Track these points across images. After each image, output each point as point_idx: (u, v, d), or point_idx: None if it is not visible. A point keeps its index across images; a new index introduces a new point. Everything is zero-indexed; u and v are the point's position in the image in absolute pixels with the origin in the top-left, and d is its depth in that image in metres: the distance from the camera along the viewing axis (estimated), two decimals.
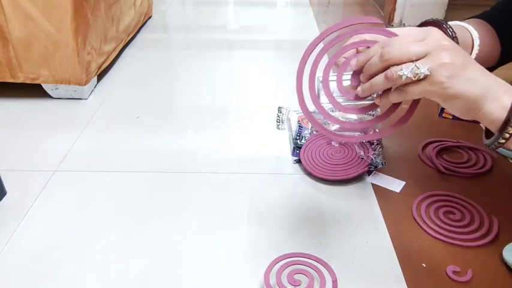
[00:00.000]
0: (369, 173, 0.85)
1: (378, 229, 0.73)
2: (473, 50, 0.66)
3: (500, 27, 0.69)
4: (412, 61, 0.44)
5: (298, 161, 0.88)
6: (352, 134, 0.82)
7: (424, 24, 0.67)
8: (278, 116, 1.02)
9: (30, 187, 0.82)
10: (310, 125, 0.96)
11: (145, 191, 0.82)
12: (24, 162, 0.89)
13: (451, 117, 1.02)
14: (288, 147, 0.95)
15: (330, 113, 0.53)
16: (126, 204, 0.79)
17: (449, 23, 0.66)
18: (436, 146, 0.92)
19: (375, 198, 0.79)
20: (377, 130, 0.86)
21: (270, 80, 1.29)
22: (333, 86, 0.52)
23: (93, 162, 0.90)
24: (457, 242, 0.69)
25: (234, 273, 0.65)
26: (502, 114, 0.45)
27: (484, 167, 0.86)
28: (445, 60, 0.43)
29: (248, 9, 1.99)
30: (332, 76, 0.52)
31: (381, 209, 0.77)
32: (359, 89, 0.50)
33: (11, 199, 0.79)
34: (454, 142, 0.93)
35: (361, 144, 0.88)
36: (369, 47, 0.50)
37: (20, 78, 1.08)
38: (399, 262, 0.66)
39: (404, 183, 0.83)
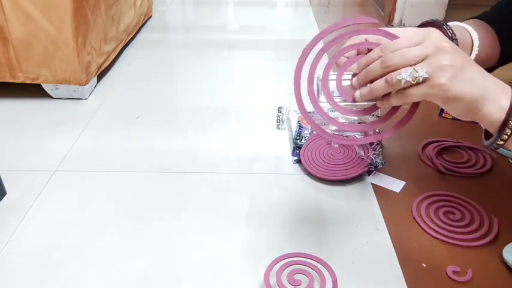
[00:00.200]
0: (369, 173, 0.85)
1: (378, 229, 0.73)
2: (473, 50, 0.66)
3: (500, 27, 0.69)
4: (411, 65, 0.44)
5: (298, 161, 0.88)
6: (352, 134, 0.82)
7: (423, 25, 0.67)
8: (278, 116, 1.02)
9: (30, 187, 0.82)
10: (310, 125, 0.96)
11: (145, 191, 0.82)
12: (24, 162, 0.89)
13: (451, 117, 1.02)
14: (288, 147, 0.95)
15: (330, 113, 0.53)
16: (126, 204, 0.79)
17: (448, 23, 0.66)
18: (436, 146, 0.92)
19: (375, 198, 0.79)
20: (377, 131, 0.86)
21: (270, 80, 1.29)
22: (332, 85, 0.52)
23: (93, 162, 0.90)
24: (457, 242, 0.69)
25: (234, 273, 0.65)
26: (501, 116, 0.45)
27: (484, 167, 0.86)
28: (444, 63, 0.43)
29: (248, 9, 1.98)
30: (332, 75, 0.52)
31: (381, 209, 0.77)
32: (357, 93, 0.50)
33: (11, 199, 0.79)
34: (454, 142, 0.93)
35: (361, 144, 0.88)
36: (369, 49, 0.50)
37: (20, 78, 1.08)
38: (399, 262, 0.66)
39: (404, 183, 0.83)
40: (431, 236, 0.70)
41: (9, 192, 0.80)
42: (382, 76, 0.47)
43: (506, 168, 0.87)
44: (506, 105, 0.45)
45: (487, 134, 0.51)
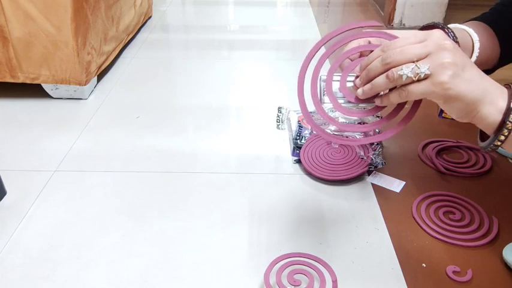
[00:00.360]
0: (369, 173, 0.85)
1: (378, 229, 0.73)
2: (474, 52, 0.66)
3: (500, 29, 0.69)
4: (413, 62, 0.44)
5: (298, 161, 0.88)
6: (352, 134, 0.82)
7: (425, 28, 0.67)
8: (278, 116, 1.02)
9: (30, 187, 0.82)
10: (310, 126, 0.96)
11: (145, 191, 0.82)
12: (24, 162, 0.89)
13: (450, 117, 1.02)
14: (288, 147, 0.95)
15: (330, 113, 0.53)
16: (126, 204, 0.79)
17: (449, 25, 0.66)
18: (436, 146, 0.92)
19: (375, 198, 0.79)
20: (377, 131, 0.86)
21: (270, 80, 1.29)
22: (336, 86, 0.52)
23: (93, 162, 0.90)
24: (457, 242, 0.69)
25: (234, 273, 0.65)
26: (498, 117, 0.45)
27: (484, 167, 0.86)
28: (446, 60, 0.43)
29: (248, 9, 1.99)
30: (336, 76, 0.52)
31: (380, 209, 0.77)
32: (359, 91, 0.50)
33: (11, 199, 0.79)
34: (454, 142, 0.93)
35: (361, 144, 0.88)
36: (372, 51, 0.50)
37: (20, 78, 1.08)
38: (399, 262, 0.66)
39: (404, 183, 0.83)
40: (431, 236, 0.70)
41: (9, 192, 0.80)
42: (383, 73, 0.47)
43: (506, 168, 0.87)
44: (504, 107, 0.45)
45: (483, 136, 0.51)
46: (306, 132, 0.94)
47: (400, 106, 0.50)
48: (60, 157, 0.91)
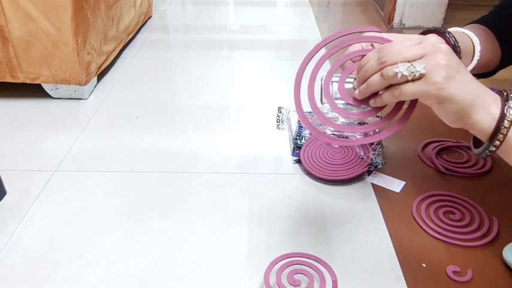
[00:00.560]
0: (369, 173, 0.85)
1: (378, 229, 0.73)
2: (475, 55, 0.66)
3: (500, 31, 0.69)
4: (409, 61, 0.44)
5: (298, 161, 0.88)
6: (351, 135, 0.82)
7: (425, 33, 0.67)
8: (278, 116, 1.02)
9: (30, 187, 0.82)
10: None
11: (145, 191, 0.82)
12: (24, 162, 0.89)
13: None
14: (288, 147, 0.95)
15: (330, 113, 0.53)
16: (126, 204, 0.79)
17: (449, 30, 0.66)
18: (436, 146, 0.92)
19: (375, 198, 0.79)
20: (377, 131, 0.86)
21: (270, 80, 1.29)
22: (335, 88, 0.52)
23: (93, 162, 0.90)
24: (457, 242, 0.69)
25: (234, 273, 0.65)
26: (491, 123, 0.45)
27: (484, 167, 0.86)
28: (441, 62, 0.43)
29: (248, 9, 1.99)
30: (335, 77, 0.52)
31: (380, 209, 0.77)
32: (356, 91, 0.50)
33: (11, 199, 0.79)
34: (454, 142, 0.93)
35: (361, 144, 0.88)
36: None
37: (20, 78, 1.08)
38: (399, 262, 0.66)
39: (404, 183, 0.83)
40: (431, 236, 0.70)
41: (9, 192, 0.80)
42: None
43: (506, 168, 0.87)
44: (497, 113, 0.45)
45: (476, 143, 0.51)
46: (306, 132, 0.94)
47: (398, 107, 0.50)
48: (60, 157, 0.91)
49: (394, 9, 1.67)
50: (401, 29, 1.69)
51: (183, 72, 1.33)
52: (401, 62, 0.44)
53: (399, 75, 0.44)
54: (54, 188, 0.83)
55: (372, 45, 0.53)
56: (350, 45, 0.53)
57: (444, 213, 0.75)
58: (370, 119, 0.58)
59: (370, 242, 0.70)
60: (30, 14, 1.00)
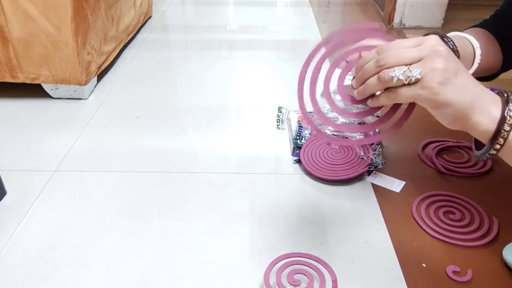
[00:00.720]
0: (369, 173, 0.85)
1: (378, 229, 0.73)
2: (475, 59, 0.66)
3: (501, 34, 0.69)
4: (406, 65, 0.44)
5: (298, 161, 0.88)
6: (351, 135, 0.82)
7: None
8: (278, 116, 1.02)
9: (30, 187, 0.82)
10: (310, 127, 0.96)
11: (145, 191, 0.82)
12: (24, 162, 0.89)
13: None
14: (288, 147, 0.95)
15: (329, 113, 0.53)
16: (126, 204, 0.79)
17: (449, 34, 0.66)
18: (436, 146, 0.92)
19: (375, 198, 0.79)
20: (377, 131, 0.86)
21: (270, 80, 1.29)
22: (334, 87, 0.53)
23: (93, 162, 0.90)
24: (457, 242, 0.69)
25: (234, 273, 0.65)
26: (492, 126, 0.45)
27: (484, 167, 0.86)
28: (438, 66, 0.43)
29: (248, 9, 1.99)
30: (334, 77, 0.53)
31: (380, 209, 0.77)
32: (355, 92, 0.50)
33: (11, 199, 0.79)
34: (454, 142, 0.93)
35: (361, 144, 0.88)
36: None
37: (20, 78, 1.08)
38: (399, 262, 0.66)
39: (404, 183, 0.83)
40: (431, 236, 0.70)
41: (9, 192, 0.80)
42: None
43: (506, 168, 0.87)
44: (497, 115, 0.45)
45: (477, 145, 0.51)
46: (306, 132, 0.94)
47: (395, 108, 0.50)
48: (60, 157, 0.91)
49: (394, 9, 1.67)
50: (401, 29, 1.69)
51: (183, 72, 1.33)
52: (398, 66, 0.44)
53: (395, 79, 0.44)
54: (54, 188, 0.83)
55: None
56: (352, 42, 0.53)
57: (444, 213, 0.75)
58: (370, 119, 0.58)
59: (370, 242, 0.70)
60: (30, 14, 1.00)
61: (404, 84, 0.44)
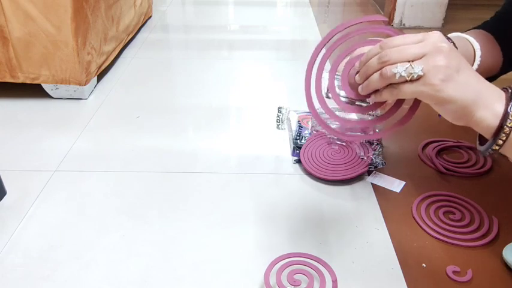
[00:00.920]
0: (369, 173, 0.85)
1: (378, 229, 0.73)
2: (475, 61, 0.66)
3: (502, 36, 0.69)
4: (409, 61, 0.44)
5: (298, 161, 0.88)
6: (354, 134, 0.82)
7: None
8: (278, 116, 1.02)
9: (30, 187, 0.82)
10: (310, 125, 0.96)
11: (145, 191, 0.82)
12: (24, 162, 0.89)
13: None
14: (288, 147, 0.95)
15: (336, 112, 0.54)
16: (126, 204, 0.79)
17: (450, 35, 0.66)
18: (436, 146, 0.92)
19: (375, 198, 0.79)
20: (377, 130, 0.86)
21: (270, 80, 1.29)
22: (338, 82, 0.53)
23: (93, 162, 0.90)
24: (457, 242, 0.69)
25: (234, 273, 0.65)
26: (495, 121, 0.45)
27: (484, 167, 0.86)
28: (440, 63, 0.43)
29: (248, 9, 1.99)
30: (338, 73, 0.53)
31: (380, 209, 0.77)
32: (359, 88, 0.50)
33: (11, 199, 0.79)
34: (454, 142, 0.93)
35: (361, 144, 0.88)
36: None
37: (20, 78, 1.08)
38: (399, 262, 0.66)
39: (404, 183, 0.83)
40: (431, 236, 0.70)
41: (9, 192, 0.80)
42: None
43: (506, 168, 0.87)
44: (500, 111, 0.45)
45: (481, 140, 0.51)
46: (306, 132, 0.94)
47: (398, 105, 0.51)
48: (60, 157, 0.91)
49: (394, 9, 1.67)
50: (401, 29, 1.69)
51: (183, 72, 1.33)
52: (400, 62, 0.44)
53: (397, 75, 0.44)
54: (54, 188, 0.83)
55: None
56: (356, 49, 0.53)
57: (444, 213, 0.75)
58: (370, 117, 0.59)
59: (370, 242, 0.70)
60: (30, 14, 1.00)
61: (406, 81, 0.44)
